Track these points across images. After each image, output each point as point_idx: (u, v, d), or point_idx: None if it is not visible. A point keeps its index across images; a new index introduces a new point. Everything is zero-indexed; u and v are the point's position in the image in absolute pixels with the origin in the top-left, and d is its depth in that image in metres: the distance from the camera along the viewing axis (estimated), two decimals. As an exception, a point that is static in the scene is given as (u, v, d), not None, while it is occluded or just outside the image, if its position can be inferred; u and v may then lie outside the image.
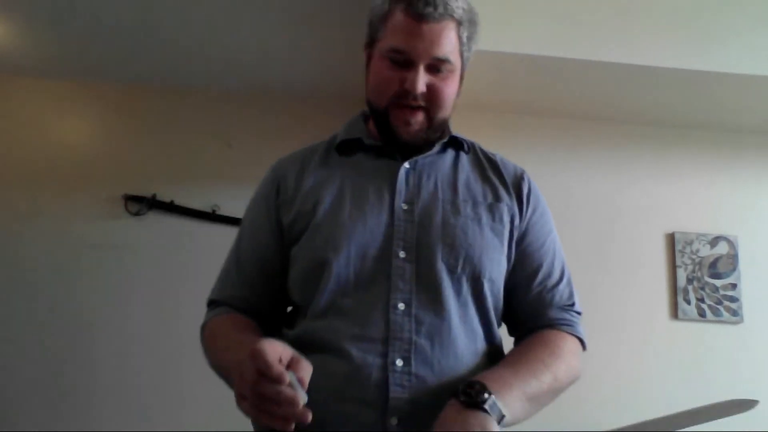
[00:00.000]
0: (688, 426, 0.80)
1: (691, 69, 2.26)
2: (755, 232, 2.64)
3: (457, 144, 1.09)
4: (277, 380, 0.71)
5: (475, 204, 1.01)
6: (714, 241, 2.60)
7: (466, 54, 1.02)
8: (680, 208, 2.65)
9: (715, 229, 2.62)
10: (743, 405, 0.81)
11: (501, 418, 0.81)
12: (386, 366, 0.89)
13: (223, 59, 3.05)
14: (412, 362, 0.90)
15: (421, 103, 0.98)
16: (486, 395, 0.81)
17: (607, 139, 2.70)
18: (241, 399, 0.77)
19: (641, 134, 2.71)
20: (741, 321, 2.53)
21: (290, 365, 0.75)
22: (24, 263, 3.05)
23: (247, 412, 0.76)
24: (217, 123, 3.29)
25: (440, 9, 0.94)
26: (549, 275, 1.04)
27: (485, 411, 0.80)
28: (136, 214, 3.12)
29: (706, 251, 2.59)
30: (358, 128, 1.09)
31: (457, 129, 1.10)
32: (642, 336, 2.50)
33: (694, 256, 2.58)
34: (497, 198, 1.03)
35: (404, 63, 0.97)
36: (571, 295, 1.05)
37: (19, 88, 3.28)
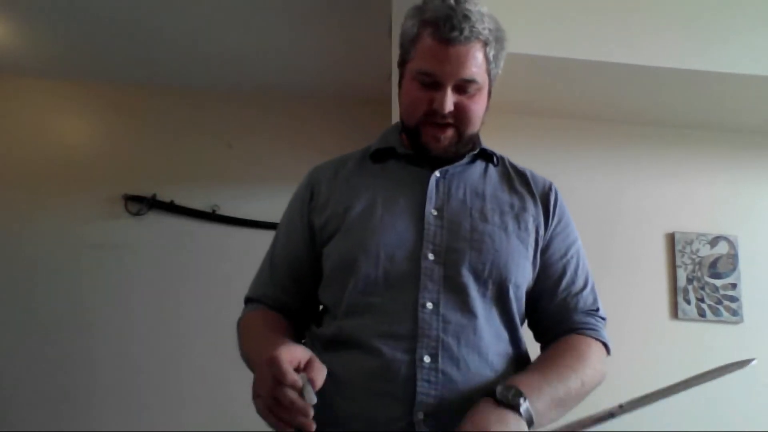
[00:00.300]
0: (692, 387, 0.84)
1: (691, 69, 2.25)
2: (755, 232, 2.64)
3: (486, 156, 1.13)
4: (292, 387, 0.77)
5: (502, 213, 1.05)
6: (714, 241, 2.60)
7: (493, 71, 1.05)
8: (680, 208, 2.64)
9: (715, 229, 2.62)
10: (740, 364, 0.85)
11: (530, 423, 0.85)
12: (414, 362, 0.92)
13: (223, 59, 3.05)
14: (440, 359, 0.93)
15: (450, 121, 1.02)
16: (522, 400, 0.85)
17: (607, 139, 2.69)
18: (256, 396, 0.83)
19: (641, 134, 2.71)
20: (741, 321, 2.53)
21: (305, 367, 0.81)
22: (24, 263, 3.05)
23: (259, 410, 0.82)
24: (217, 123, 3.29)
25: (466, 32, 0.97)
26: (573, 282, 1.08)
27: (519, 414, 0.84)
28: (136, 214, 3.12)
29: (706, 251, 2.59)
30: (393, 138, 1.13)
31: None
32: (642, 336, 2.50)
33: (694, 256, 2.58)
34: (523, 208, 1.07)
35: (432, 84, 1.01)
36: (595, 300, 1.09)
37: (19, 88, 3.28)
